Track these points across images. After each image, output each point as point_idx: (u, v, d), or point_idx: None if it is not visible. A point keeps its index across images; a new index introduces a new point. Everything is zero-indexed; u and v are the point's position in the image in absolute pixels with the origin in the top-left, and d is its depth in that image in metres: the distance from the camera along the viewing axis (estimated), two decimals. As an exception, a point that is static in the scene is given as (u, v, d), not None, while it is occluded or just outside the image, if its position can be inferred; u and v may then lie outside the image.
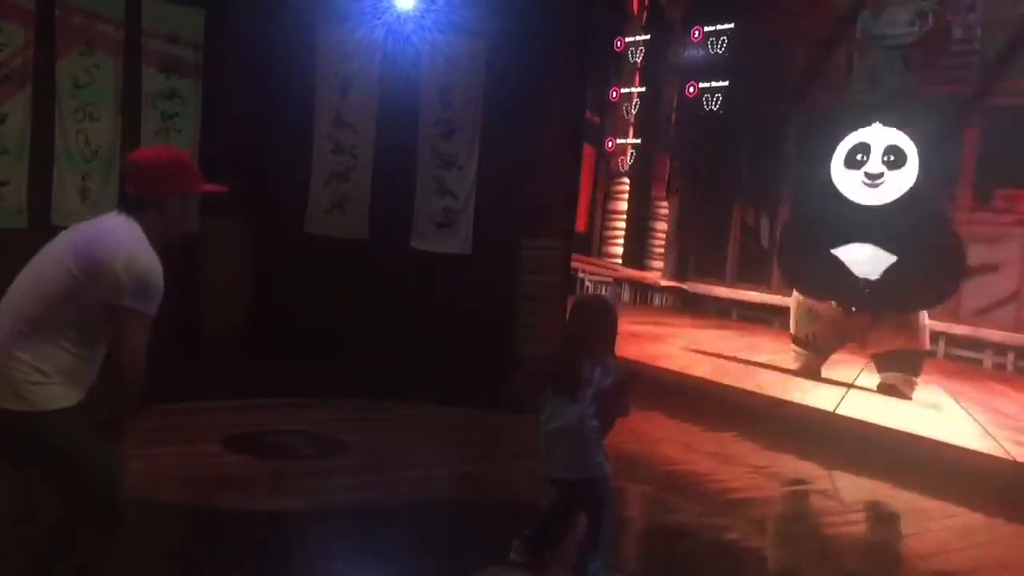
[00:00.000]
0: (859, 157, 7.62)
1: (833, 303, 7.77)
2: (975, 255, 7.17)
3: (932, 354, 7.25)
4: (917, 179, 7.25)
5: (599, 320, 4.21)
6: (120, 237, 2.89)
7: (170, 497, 4.92)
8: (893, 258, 7.36)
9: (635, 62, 9.70)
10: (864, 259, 7.57)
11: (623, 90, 9.91)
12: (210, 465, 5.55)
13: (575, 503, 4.22)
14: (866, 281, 7.51)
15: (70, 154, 8.21)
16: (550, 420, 4.16)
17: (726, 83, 8.75)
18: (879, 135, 7.52)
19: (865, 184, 7.58)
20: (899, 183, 7.40)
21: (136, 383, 2.85)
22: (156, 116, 8.62)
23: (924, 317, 7.32)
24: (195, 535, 4.65)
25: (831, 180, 7.72)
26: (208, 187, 3.22)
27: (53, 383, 2.81)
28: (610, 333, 4.18)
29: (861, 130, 7.64)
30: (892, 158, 7.46)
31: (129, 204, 3.01)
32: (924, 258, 7.26)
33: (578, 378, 4.05)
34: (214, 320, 8.70)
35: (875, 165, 7.52)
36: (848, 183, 7.68)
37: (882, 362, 7.54)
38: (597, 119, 10.25)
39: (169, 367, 7.11)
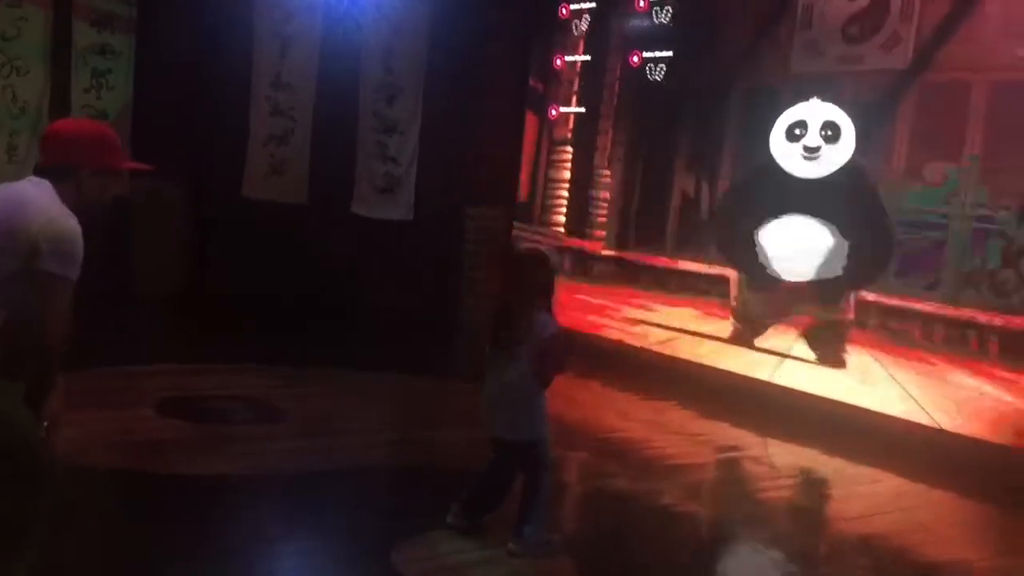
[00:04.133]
0: (797, 132, 7.80)
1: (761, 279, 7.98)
2: (907, 228, 7.35)
3: (864, 324, 7.43)
4: (853, 154, 7.45)
5: (533, 272, 4.14)
6: (36, 201, 2.77)
7: (104, 462, 4.84)
8: (826, 230, 7.57)
9: (580, 30, 9.68)
10: (798, 231, 7.76)
11: (567, 58, 9.89)
12: (145, 430, 5.47)
13: (513, 465, 4.23)
14: (796, 257, 7.75)
15: (-4, 110, 7.94)
16: (491, 379, 4.15)
17: (670, 53, 8.79)
18: (816, 111, 7.70)
19: (804, 157, 7.75)
20: (835, 157, 7.59)
21: (56, 349, 2.74)
22: (87, 72, 8.34)
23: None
24: (130, 500, 4.58)
25: (770, 153, 7.90)
26: (131, 164, 3.12)
27: None
28: (546, 285, 4.11)
29: (800, 105, 7.81)
30: (829, 133, 7.64)
31: (44, 172, 2.88)
32: (860, 236, 7.46)
33: (514, 333, 4.02)
34: (148, 283, 8.51)
35: (813, 139, 7.70)
36: (787, 156, 7.86)
37: (810, 337, 7.74)
38: (540, 87, 10.21)
39: (102, 331, 6.99)
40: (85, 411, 5.09)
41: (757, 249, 8.08)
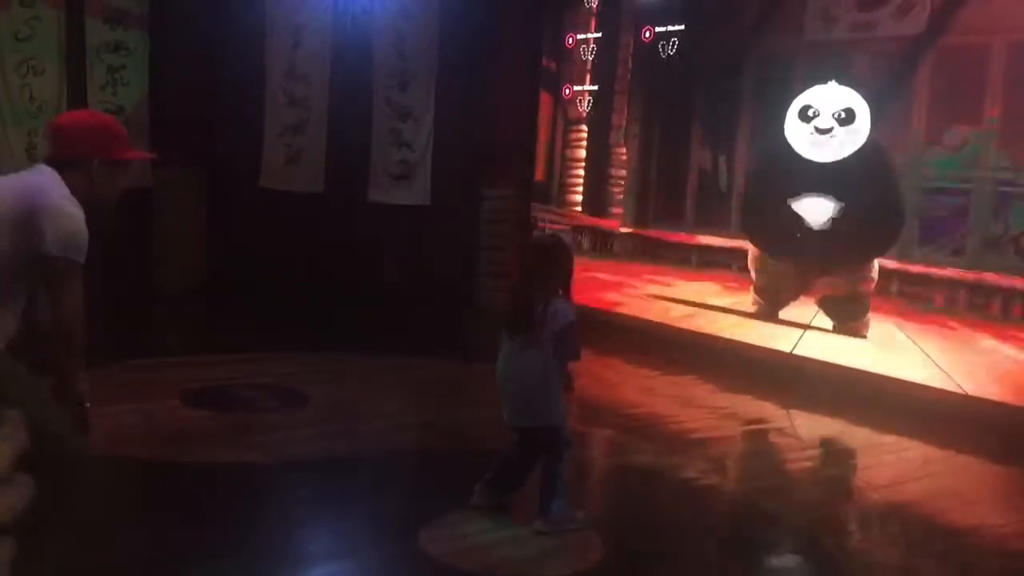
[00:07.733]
0: (810, 113, 7.72)
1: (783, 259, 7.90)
2: (930, 195, 7.27)
3: (886, 292, 7.37)
4: (868, 137, 7.36)
5: (551, 257, 4.11)
6: (43, 189, 2.84)
7: (131, 452, 4.89)
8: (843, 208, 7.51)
9: (591, 7, 9.62)
10: (818, 212, 7.70)
11: (579, 36, 9.83)
12: (170, 420, 5.52)
13: (536, 447, 4.24)
14: (817, 232, 7.67)
15: (15, 110, 8.04)
16: (508, 365, 4.15)
17: (682, 27, 8.71)
18: (831, 95, 7.59)
19: (817, 140, 7.64)
20: (849, 140, 7.50)
21: (79, 332, 2.84)
22: (102, 69, 8.42)
23: (875, 264, 7.47)
24: (158, 489, 4.64)
25: (784, 134, 7.81)
26: (134, 153, 3.15)
27: None
28: (563, 271, 4.08)
29: (815, 88, 7.70)
30: (843, 115, 7.55)
31: (53, 163, 2.95)
32: (869, 208, 7.40)
33: (531, 319, 4.00)
34: (169, 275, 8.61)
35: (826, 120, 7.61)
36: (801, 140, 7.76)
37: (827, 307, 7.68)
38: (553, 66, 10.17)
39: (125, 323, 7.07)
40: (112, 404, 5.17)
41: (781, 222, 8.00)
